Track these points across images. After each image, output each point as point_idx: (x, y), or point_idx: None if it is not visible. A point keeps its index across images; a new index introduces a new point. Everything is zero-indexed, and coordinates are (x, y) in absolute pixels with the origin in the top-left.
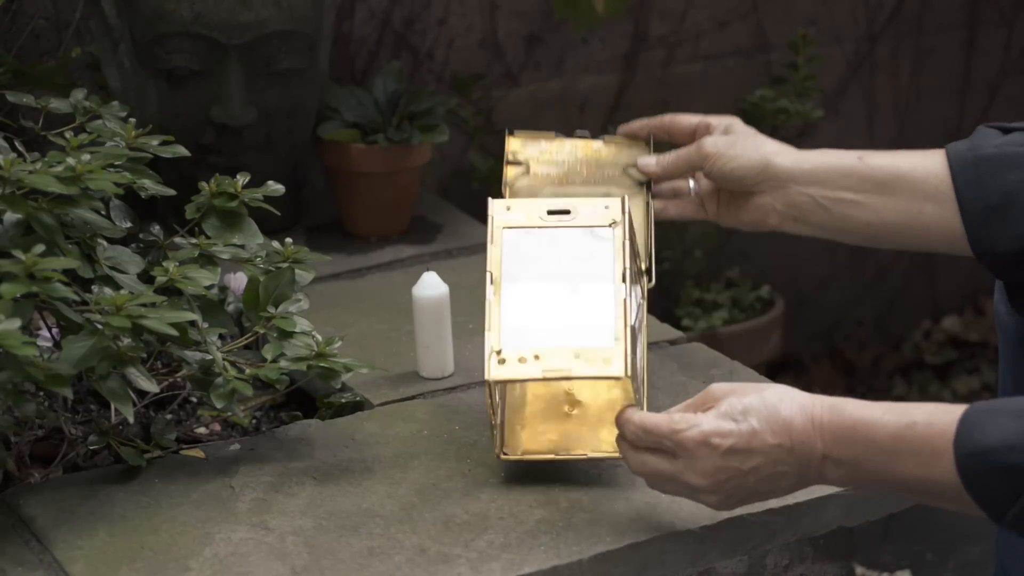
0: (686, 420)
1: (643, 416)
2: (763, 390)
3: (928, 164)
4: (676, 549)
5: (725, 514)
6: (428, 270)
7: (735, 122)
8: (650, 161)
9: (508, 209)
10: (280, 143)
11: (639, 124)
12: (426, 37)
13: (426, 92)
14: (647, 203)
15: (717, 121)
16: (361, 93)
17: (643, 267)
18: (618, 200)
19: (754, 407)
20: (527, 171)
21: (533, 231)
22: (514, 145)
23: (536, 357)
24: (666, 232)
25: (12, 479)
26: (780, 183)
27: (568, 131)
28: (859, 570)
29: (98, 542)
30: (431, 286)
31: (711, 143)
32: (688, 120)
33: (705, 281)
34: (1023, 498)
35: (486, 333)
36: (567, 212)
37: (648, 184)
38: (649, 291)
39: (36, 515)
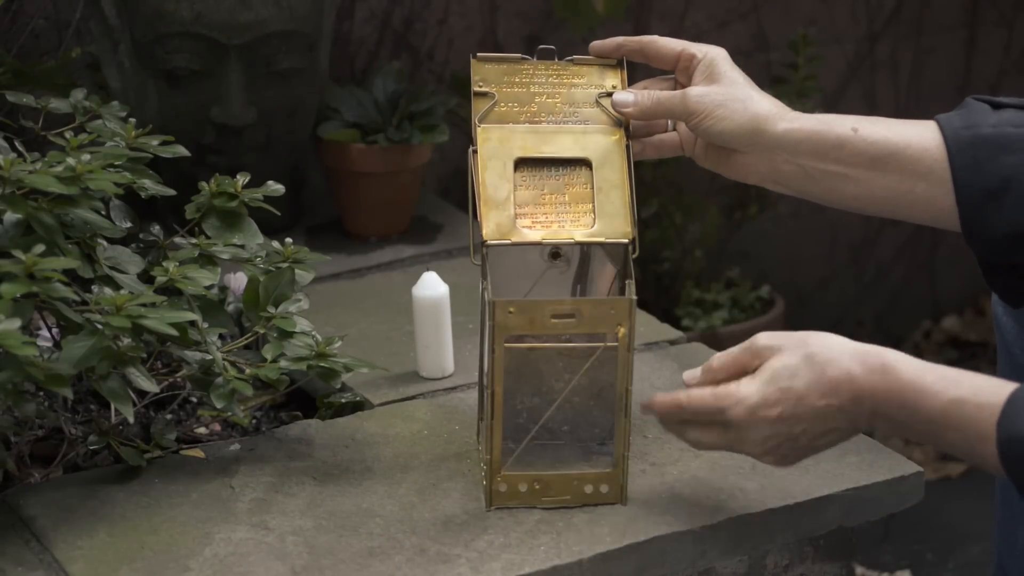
0: (731, 396)
1: (688, 395)
2: (809, 345)
3: (923, 141)
4: (676, 549)
5: (725, 514)
6: (428, 270)
7: (720, 60)
8: (627, 100)
9: (511, 312)
10: (280, 143)
11: (613, 43)
12: (426, 37)
13: (426, 92)
14: (625, 145)
15: (701, 54)
16: (361, 93)
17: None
18: (626, 302)
19: (801, 371)
20: (495, 104)
21: (536, 349)
22: (480, 71)
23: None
24: (666, 232)
25: (12, 479)
26: (768, 149)
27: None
28: (859, 570)
29: (98, 542)
30: (431, 286)
31: (697, 98)
32: (669, 46)
33: (705, 281)
34: None
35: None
36: (572, 316)
37: (627, 125)
38: (649, 291)
39: (36, 515)
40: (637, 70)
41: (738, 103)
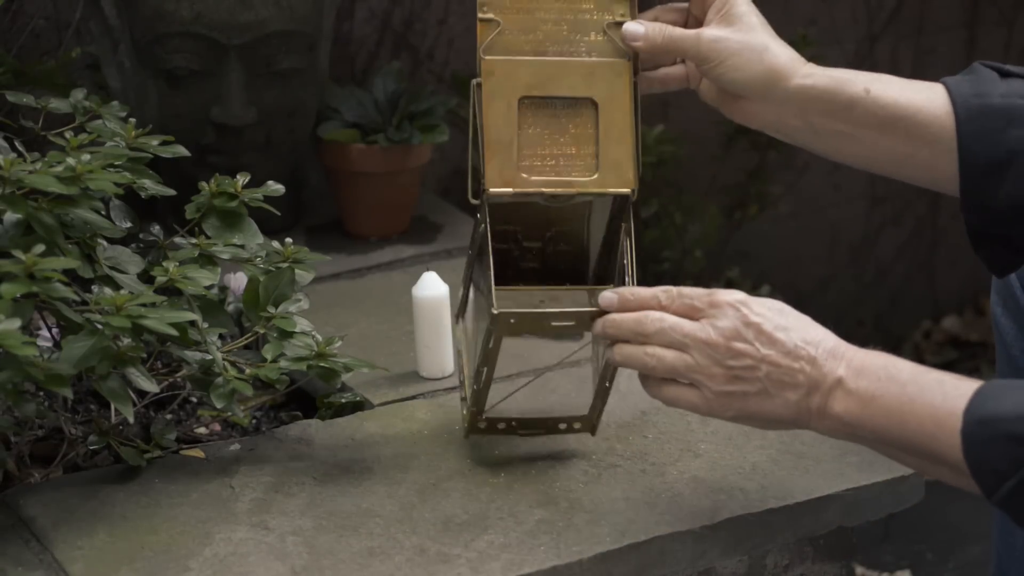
0: (722, 290)
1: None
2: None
3: (934, 106)
4: (676, 549)
5: (725, 514)
6: (428, 270)
7: None
8: (637, 31)
9: (513, 322)
10: (280, 143)
11: None
12: (426, 37)
13: (426, 92)
14: (632, 83)
15: None
16: (361, 93)
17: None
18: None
19: (793, 314)
20: (500, 31)
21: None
22: None
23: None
24: (666, 232)
25: (12, 479)
26: (777, 103)
27: None
28: (859, 570)
29: (98, 542)
30: (431, 286)
31: (711, 43)
32: None
33: (705, 281)
34: (1021, 472)
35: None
36: (572, 321)
37: (635, 57)
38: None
39: (36, 515)
40: None
41: (754, 53)
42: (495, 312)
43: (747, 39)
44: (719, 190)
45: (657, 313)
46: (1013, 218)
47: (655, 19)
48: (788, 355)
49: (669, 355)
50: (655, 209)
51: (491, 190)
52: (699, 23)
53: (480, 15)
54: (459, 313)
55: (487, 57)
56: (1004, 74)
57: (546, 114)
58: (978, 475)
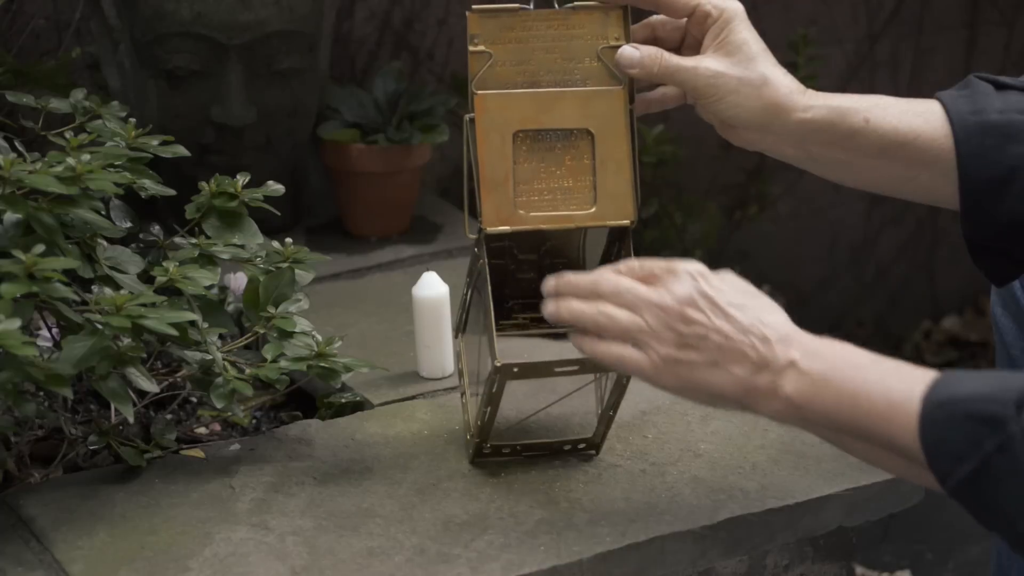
0: (685, 260)
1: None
2: None
3: (932, 128)
4: (676, 549)
5: (725, 514)
6: (428, 270)
7: (735, 22)
8: (632, 57)
9: (515, 371)
10: (280, 143)
11: None
12: (426, 37)
13: (426, 92)
14: (628, 111)
15: (716, 12)
16: (361, 93)
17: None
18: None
19: (753, 293)
20: (492, 64)
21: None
22: (476, 26)
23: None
24: (666, 232)
25: (12, 479)
26: (777, 134)
27: None
28: (859, 570)
29: (98, 542)
30: (431, 286)
31: (709, 77)
32: None
33: None
34: (981, 451)
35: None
36: (576, 367)
37: (630, 83)
38: None
39: (36, 515)
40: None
41: (752, 88)
42: (498, 364)
43: (745, 74)
44: (719, 190)
45: (614, 276)
46: (1014, 233)
47: (652, 34)
48: (741, 331)
49: (622, 315)
50: (655, 209)
51: (488, 229)
52: (697, 42)
53: (471, 48)
54: (458, 329)
55: (479, 92)
56: (999, 86)
57: (541, 147)
58: (934, 460)
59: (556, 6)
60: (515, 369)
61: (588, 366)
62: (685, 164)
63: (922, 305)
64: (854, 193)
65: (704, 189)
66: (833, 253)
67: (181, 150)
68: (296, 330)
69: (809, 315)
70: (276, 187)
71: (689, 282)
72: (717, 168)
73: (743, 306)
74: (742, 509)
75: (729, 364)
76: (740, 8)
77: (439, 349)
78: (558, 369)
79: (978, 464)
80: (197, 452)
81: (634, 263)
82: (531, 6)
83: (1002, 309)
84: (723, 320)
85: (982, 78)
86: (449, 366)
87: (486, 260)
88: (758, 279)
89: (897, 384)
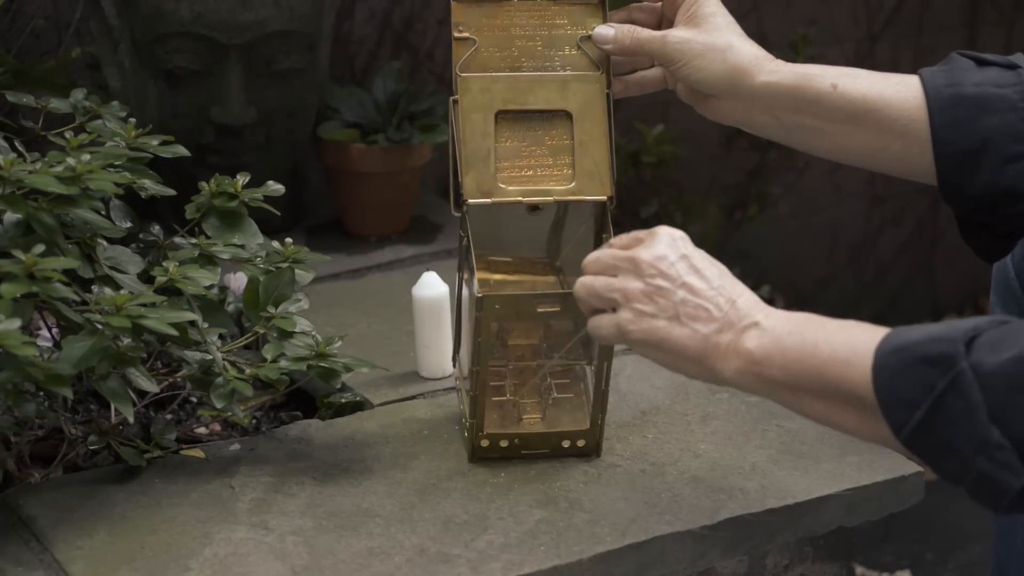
0: (668, 227)
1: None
2: None
3: (903, 98)
4: (676, 549)
5: (725, 514)
6: (428, 270)
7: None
8: (607, 35)
9: (498, 307)
10: (280, 143)
11: None
12: (426, 37)
13: (426, 92)
14: (606, 95)
15: None
16: (361, 93)
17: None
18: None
19: (726, 270)
20: (476, 49)
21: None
22: (460, 14)
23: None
24: None
25: (12, 479)
26: (744, 100)
27: None
28: (859, 570)
29: (98, 542)
30: (431, 286)
31: (676, 44)
32: None
33: None
34: (933, 393)
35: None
36: (557, 308)
37: (607, 68)
38: None
39: (36, 515)
40: None
41: (717, 52)
42: (479, 296)
43: (711, 39)
44: (719, 190)
45: (598, 250)
46: (992, 205)
47: (628, 18)
48: (709, 289)
49: (597, 281)
50: (655, 209)
51: (470, 200)
52: (671, 24)
53: (456, 34)
54: (455, 354)
55: (463, 74)
56: (981, 63)
57: (523, 127)
58: (888, 409)
59: None
60: (497, 305)
61: (570, 305)
62: (685, 164)
63: (922, 305)
64: (854, 193)
65: (704, 189)
66: (833, 253)
67: (181, 150)
68: (296, 330)
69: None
70: (276, 187)
71: (667, 241)
72: (717, 168)
73: (716, 272)
74: (742, 509)
75: (692, 321)
76: None
77: (439, 349)
78: (541, 309)
79: (931, 406)
80: (197, 452)
81: (624, 235)
82: None
83: (1002, 309)
84: (694, 277)
85: (965, 55)
86: (449, 366)
87: (469, 236)
88: (758, 279)
89: (857, 334)
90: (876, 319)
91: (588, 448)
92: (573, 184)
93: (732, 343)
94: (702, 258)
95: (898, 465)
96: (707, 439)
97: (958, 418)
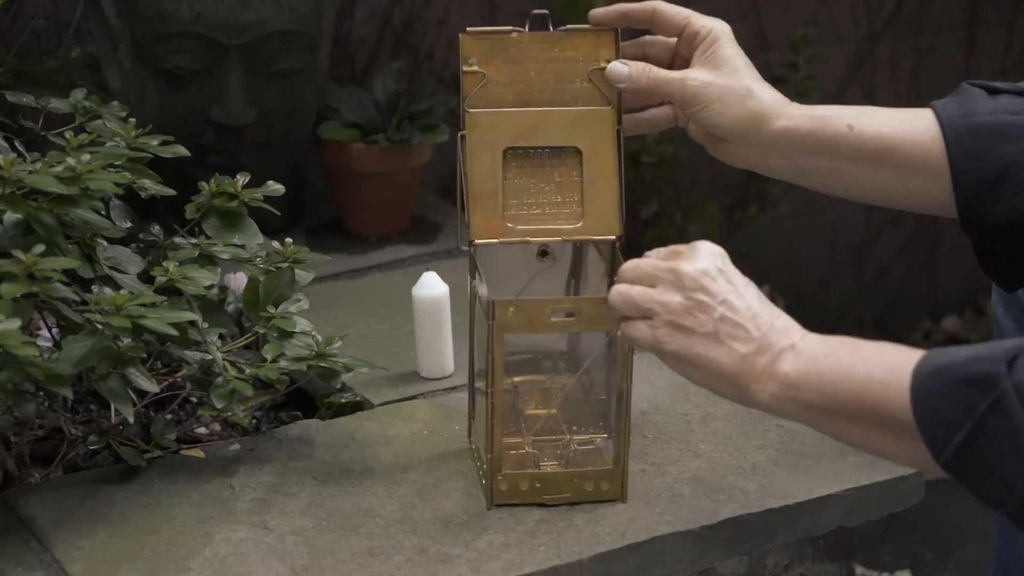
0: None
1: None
2: None
3: (920, 133)
4: (676, 549)
5: (725, 514)
6: (428, 270)
7: (723, 40)
8: (621, 72)
9: (511, 312)
10: (280, 143)
11: (616, 12)
12: (426, 37)
13: (426, 92)
14: (616, 131)
15: (705, 31)
16: (361, 93)
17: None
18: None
19: (762, 295)
20: (484, 83)
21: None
22: (469, 47)
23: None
24: (666, 232)
25: (12, 479)
26: (762, 145)
27: None
28: (859, 570)
29: (98, 542)
30: (431, 286)
31: (695, 88)
32: (675, 17)
33: None
34: (975, 414)
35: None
36: (571, 315)
37: (618, 103)
38: None
39: (36, 515)
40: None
41: (736, 97)
42: (489, 300)
43: (730, 83)
44: (719, 190)
45: (637, 259)
46: (1012, 232)
47: (642, 52)
48: (748, 309)
49: (634, 290)
50: (655, 209)
51: (477, 241)
52: (686, 61)
53: (465, 68)
54: (471, 382)
55: (471, 110)
56: (992, 92)
57: (531, 164)
58: (927, 432)
59: (551, 28)
60: (510, 310)
61: (584, 315)
62: (685, 164)
63: (922, 305)
64: None
65: (704, 189)
66: (833, 253)
67: (181, 150)
68: (296, 330)
69: (809, 315)
70: (276, 187)
71: (709, 256)
72: (717, 168)
73: (754, 292)
74: (742, 509)
75: (731, 340)
76: (727, 28)
77: (439, 349)
78: (555, 319)
79: (973, 427)
80: (197, 452)
81: (661, 249)
82: (525, 28)
83: (1003, 309)
84: (735, 296)
85: (975, 84)
86: (449, 366)
87: (480, 272)
88: (758, 279)
89: (893, 355)
90: (876, 319)
91: (612, 491)
92: (581, 223)
93: (768, 366)
94: (739, 277)
95: (898, 466)
96: (707, 439)
97: (1002, 439)
